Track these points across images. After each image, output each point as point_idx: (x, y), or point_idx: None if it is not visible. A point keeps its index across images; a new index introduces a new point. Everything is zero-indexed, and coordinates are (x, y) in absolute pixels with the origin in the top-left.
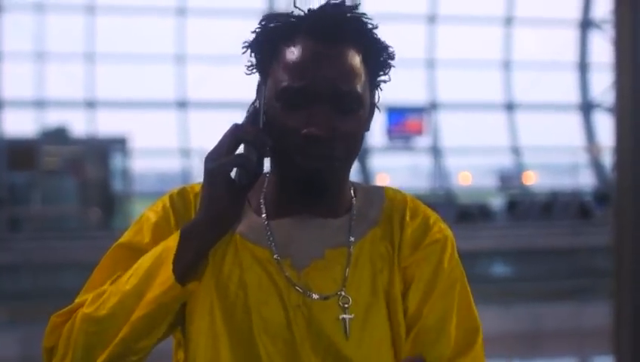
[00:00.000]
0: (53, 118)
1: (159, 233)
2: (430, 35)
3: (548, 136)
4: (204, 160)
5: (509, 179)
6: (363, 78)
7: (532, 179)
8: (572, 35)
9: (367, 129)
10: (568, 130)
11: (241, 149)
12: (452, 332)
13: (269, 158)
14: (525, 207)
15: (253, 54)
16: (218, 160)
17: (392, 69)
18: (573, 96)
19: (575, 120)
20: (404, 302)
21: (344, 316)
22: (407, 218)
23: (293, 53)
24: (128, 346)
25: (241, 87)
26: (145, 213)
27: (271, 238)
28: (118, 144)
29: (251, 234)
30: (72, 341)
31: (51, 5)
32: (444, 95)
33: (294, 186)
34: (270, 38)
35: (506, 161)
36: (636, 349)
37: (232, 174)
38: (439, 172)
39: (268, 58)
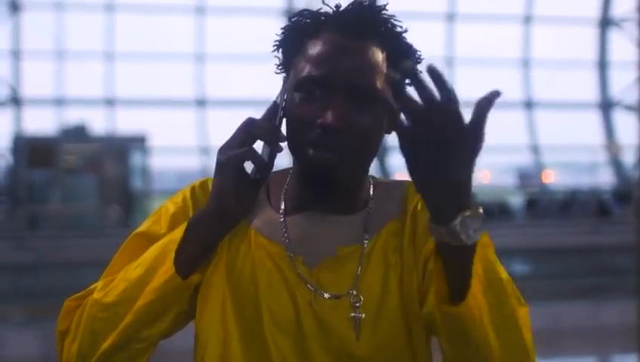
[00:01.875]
0: (73, 116)
1: (176, 224)
2: (449, 33)
3: (567, 135)
4: (217, 152)
5: (528, 178)
6: (384, 75)
7: (551, 178)
8: (591, 33)
9: (390, 132)
10: (587, 129)
11: (259, 145)
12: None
13: (289, 155)
14: (544, 205)
15: (281, 52)
16: (229, 153)
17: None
18: (593, 94)
19: (594, 118)
20: (423, 283)
21: (355, 315)
22: (419, 208)
23: (316, 45)
24: (132, 334)
25: (260, 85)
26: (165, 204)
27: (285, 234)
28: (138, 142)
29: (266, 230)
30: (81, 325)
31: (71, 4)
32: (463, 93)
33: (309, 181)
34: (296, 35)
35: (525, 159)
36: None
37: (249, 170)
38: None
39: (293, 54)
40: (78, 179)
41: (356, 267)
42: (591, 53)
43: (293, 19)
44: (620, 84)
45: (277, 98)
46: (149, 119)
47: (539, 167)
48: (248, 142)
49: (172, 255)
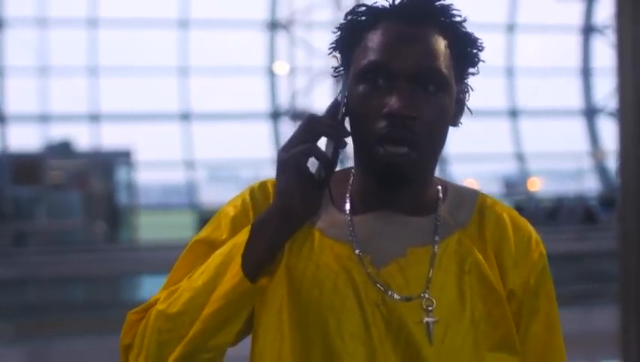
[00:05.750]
0: (58, 132)
1: (237, 227)
2: None
3: (552, 142)
4: (277, 152)
5: (514, 186)
6: (448, 61)
7: (537, 185)
8: (574, 40)
9: (455, 124)
10: (572, 136)
11: (323, 144)
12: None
13: (352, 153)
14: (530, 212)
15: (339, 52)
16: (291, 150)
17: (481, 62)
18: (577, 101)
19: (579, 125)
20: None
21: (428, 319)
22: (510, 231)
23: (376, 34)
24: (200, 343)
25: (244, 98)
26: (224, 208)
27: (352, 234)
28: (123, 157)
29: (331, 230)
30: (146, 338)
31: (54, 20)
32: None
33: (375, 179)
34: (354, 30)
35: (510, 167)
36: None
37: (313, 170)
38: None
39: (352, 50)
40: (64, 195)
41: (427, 269)
42: (574, 61)
43: (348, 17)
44: (603, 91)
45: (338, 95)
46: (133, 134)
47: (524, 175)
48: (310, 140)
49: (238, 259)
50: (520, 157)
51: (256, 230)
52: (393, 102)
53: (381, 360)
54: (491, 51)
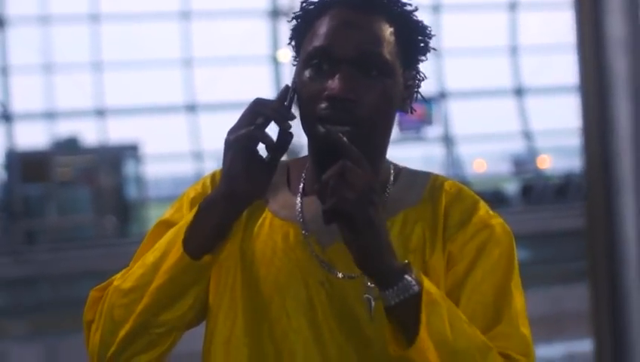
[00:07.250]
0: (64, 129)
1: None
2: (435, 24)
3: (559, 119)
4: (226, 134)
5: (523, 164)
6: (392, 48)
7: (546, 163)
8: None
9: (405, 110)
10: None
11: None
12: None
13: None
14: (539, 190)
15: (293, 41)
16: (235, 133)
17: (431, 50)
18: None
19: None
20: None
21: (369, 296)
22: (454, 201)
23: (324, 21)
24: (149, 318)
25: (249, 87)
26: (186, 191)
27: (300, 214)
28: (130, 151)
29: (282, 212)
30: (104, 313)
31: (56, 16)
32: (453, 83)
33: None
34: (306, 18)
35: (518, 146)
36: (615, 331)
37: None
38: (452, 160)
39: (303, 38)
40: (73, 191)
41: None
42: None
43: (303, 5)
44: None
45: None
46: (140, 127)
47: (533, 153)
48: (257, 122)
49: (182, 236)
50: (527, 135)
51: (203, 209)
52: (334, 85)
53: (326, 336)
54: (494, 31)
